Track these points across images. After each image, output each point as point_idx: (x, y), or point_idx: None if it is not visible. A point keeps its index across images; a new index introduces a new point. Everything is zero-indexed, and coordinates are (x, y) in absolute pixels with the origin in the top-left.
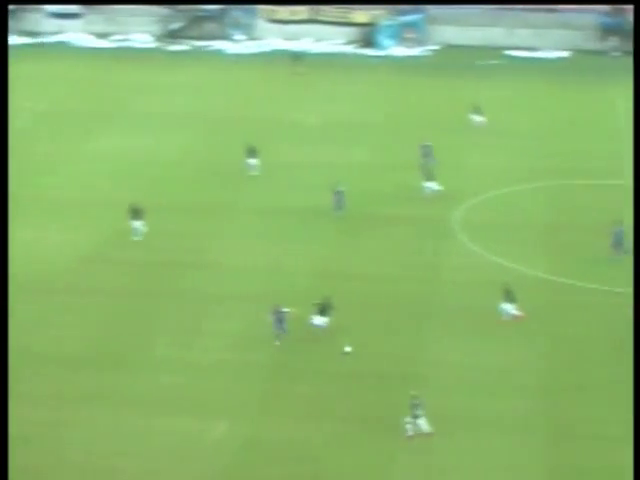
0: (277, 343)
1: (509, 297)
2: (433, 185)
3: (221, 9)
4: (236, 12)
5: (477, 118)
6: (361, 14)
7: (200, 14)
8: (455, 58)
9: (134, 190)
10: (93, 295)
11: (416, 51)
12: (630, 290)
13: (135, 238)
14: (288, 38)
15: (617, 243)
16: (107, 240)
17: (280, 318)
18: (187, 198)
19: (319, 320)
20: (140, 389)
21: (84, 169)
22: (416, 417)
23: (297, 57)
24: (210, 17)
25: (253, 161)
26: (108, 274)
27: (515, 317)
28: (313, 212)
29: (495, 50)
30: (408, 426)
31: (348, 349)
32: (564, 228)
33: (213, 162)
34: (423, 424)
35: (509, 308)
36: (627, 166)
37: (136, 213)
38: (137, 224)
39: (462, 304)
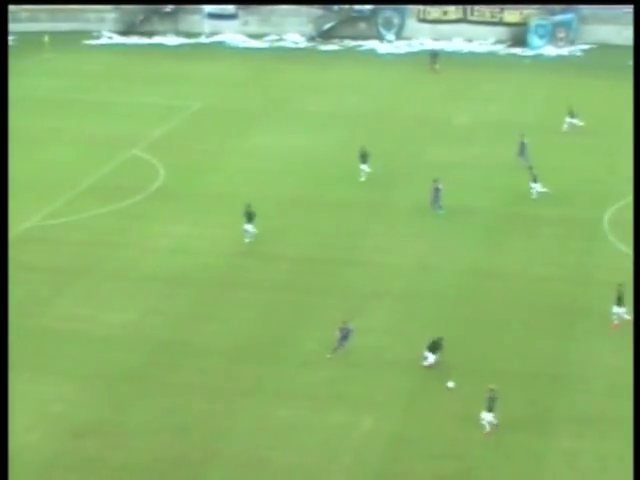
0: (328, 356)
1: (620, 301)
2: (537, 187)
3: (372, 9)
4: (388, 12)
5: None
6: (512, 14)
7: (353, 14)
8: (607, 57)
9: (289, 187)
10: (248, 289)
11: (567, 50)
12: None
13: (284, 235)
14: (438, 38)
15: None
16: (260, 236)
17: (345, 335)
18: (339, 195)
19: (431, 358)
20: (292, 383)
21: (242, 166)
22: (490, 410)
23: (434, 55)
24: (362, 17)
25: (364, 167)
26: (262, 269)
27: (623, 321)
28: (460, 211)
29: None
30: (483, 422)
31: (451, 385)
32: None
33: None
34: (491, 418)
35: (621, 312)
36: None
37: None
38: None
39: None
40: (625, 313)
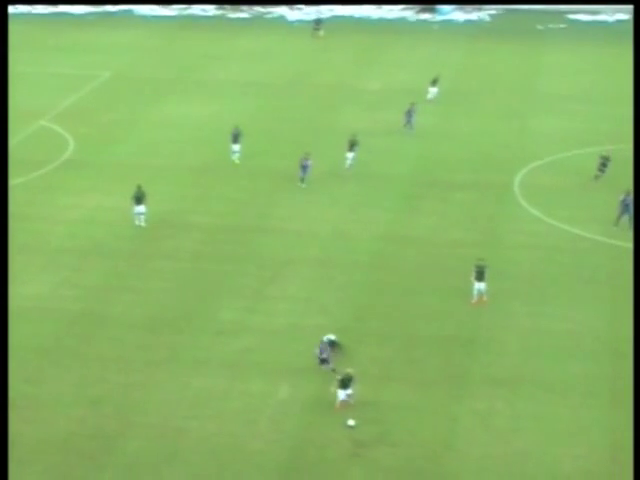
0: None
1: (481, 276)
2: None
3: None
4: None
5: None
6: None
7: None
8: (514, 22)
9: (202, 156)
10: (162, 260)
11: (476, 16)
12: None
13: (201, 204)
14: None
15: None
16: (173, 206)
17: (324, 352)
18: (251, 164)
19: (342, 394)
20: (208, 352)
21: (153, 136)
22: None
23: (318, 22)
24: None
25: (236, 147)
26: (176, 239)
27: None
28: (374, 177)
29: (557, 15)
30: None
31: (352, 423)
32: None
33: (274, 129)
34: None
35: (482, 288)
36: None
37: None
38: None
39: (526, 270)
40: (484, 290)
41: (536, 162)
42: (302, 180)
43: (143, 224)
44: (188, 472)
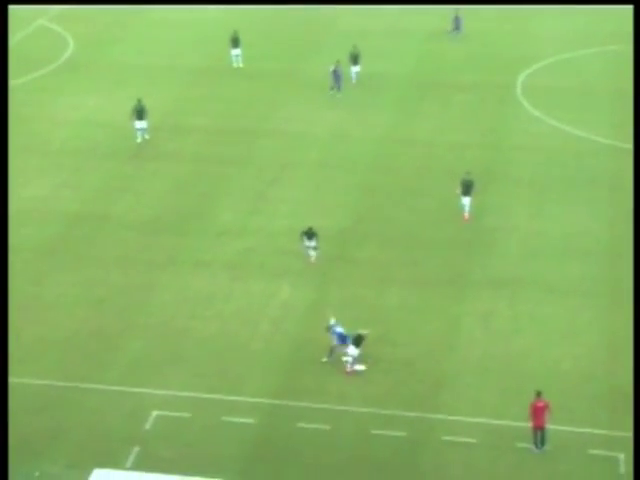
0: (324, 359)
1: (468, 191)
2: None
3: None
4: None
5: None
6: None
7: None
8: None
9: (200, 55)
10: (162, 161)
11: None
12: None
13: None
14: None
15: None
16: (173, 107)
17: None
18: (251, 67)
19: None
20: (209, 254)
21: (153, 36)
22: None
23: None
24: None
25: (236, 51)
26: (176, 141)
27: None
28: (374, 78)
29: None
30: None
31: (361, 367)
32: (628, 93)
33: (274, 33)
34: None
35: (467, 202)
36: None
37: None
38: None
39: (528, 172)
40: (469, 204)
41: (539, 62)
42: (336, 88)
43: (147, 136)
44: (190, 371)
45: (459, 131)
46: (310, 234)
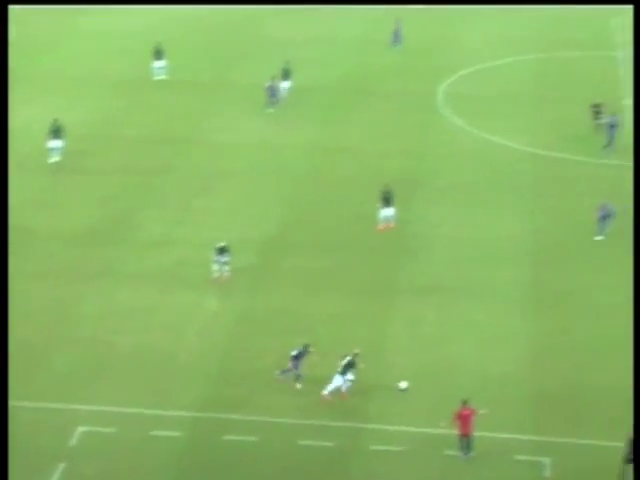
0: (298, 386)
1: (388, 202)
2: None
3: None
4: None
5: None
6: None
7: None
8: None
9: (126, 65)
10: (87, 174)
11: None
12: (615, 163)
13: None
14: None
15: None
16: (98, 117)
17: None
18: (176, 77)
19: (340, 380)
20: (136, 266)
21: (77, 47)
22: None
23: None
24: None
25: (160, 63)
26: (102, 152)
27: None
28: (301, 88)
29: None
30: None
31: (404, 385)
32: (550, 101)
33: (198, 43)
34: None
35: (389, 214)
36: (618, 38)
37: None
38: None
39: (452, 180)
40: (392, 216)
41: (462, 71)
42: (272, 104)
43: (58, 159)
44: (116, 386)
45: (384, 140)
46: (222, 249)
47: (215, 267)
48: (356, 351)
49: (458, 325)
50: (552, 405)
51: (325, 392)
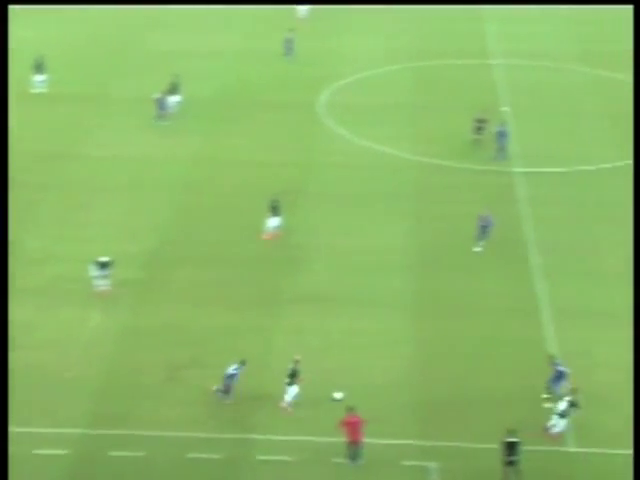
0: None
1: (276, 211)
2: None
3: None
4: None
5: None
6: None
7: None
8: None
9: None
10: None
11: None
12: (496, 169)
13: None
14: None
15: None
16: None
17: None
18: (57, 91)
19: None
20: (18, 282)
21: None
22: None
23: None
24: None
25: (40, 77)
26: None
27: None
28: (185, 101)
29: None
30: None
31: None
32: (430, 109)
33: (79, 56)
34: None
35: (274, 223)
36: (493, 46)
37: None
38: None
39: (334, 189)
40: (279, 224)
41: (343, 80)
42: (161, 117)
43: None
44: None
45: (268, 150)
46: (104, 264)
47: (98, 282)
48: (297, 358)
49: (343, 334)
50: (437, 410)
51: (284, 404)
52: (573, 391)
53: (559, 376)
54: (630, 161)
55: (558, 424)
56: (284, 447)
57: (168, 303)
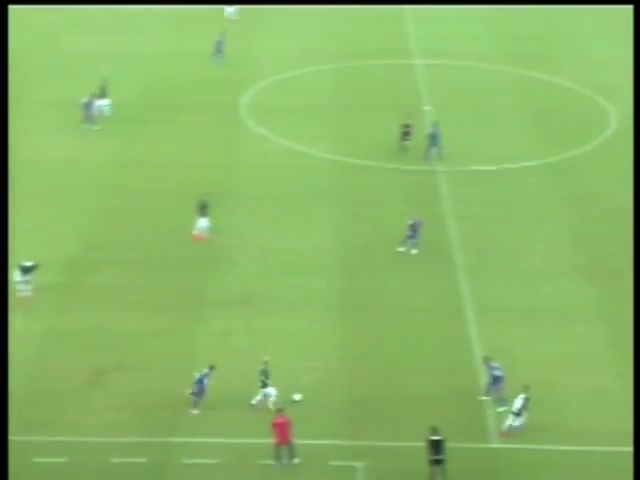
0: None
1: (204, 211)
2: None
3: None
4: None
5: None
6: None
7: None
8: None
9: None
10: None
11: None
12: (419, 168)
13: None
14: None
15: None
16: None
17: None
18: None
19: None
20: None
21: None
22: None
23: None
24: None
25: None
26: None
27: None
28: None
29: None
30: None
31: (297, 397)
32: (351, 109)
33: None
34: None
35: (203, 224)
36: (415, 46)
37: None
38: None
39: (258, 190)
40: (207, 225)
41: (265, 81)
42: (88, 121)
43: None
44: None
45: (189, 152)
46: (27, 268)
47: (20, 287)
48: (266, 359)
49: (269, 335)
50: (364, 410)
51: (259, 404)
52: (525, 389)
53: (496, 380)
54: (549, 160)
55: (514, 422)
56: (209, 450)
57: (91, 307)
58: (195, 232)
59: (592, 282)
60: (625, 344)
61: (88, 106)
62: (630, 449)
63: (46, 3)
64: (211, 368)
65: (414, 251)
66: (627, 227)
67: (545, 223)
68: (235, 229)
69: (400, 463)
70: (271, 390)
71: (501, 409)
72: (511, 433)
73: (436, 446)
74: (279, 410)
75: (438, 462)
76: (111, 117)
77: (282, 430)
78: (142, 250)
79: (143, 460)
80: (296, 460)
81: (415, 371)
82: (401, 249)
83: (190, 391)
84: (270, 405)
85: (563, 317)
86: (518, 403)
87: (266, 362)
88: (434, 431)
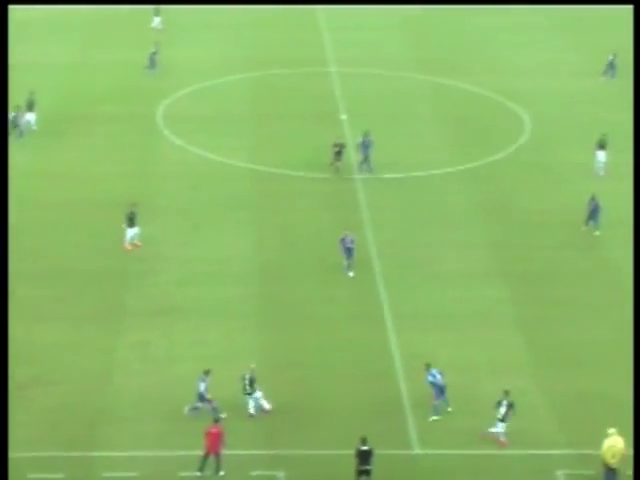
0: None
1: (132, 222)
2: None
3: None
4: None
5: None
6: None
7: None
8: None
9: None
10: None
11: None
12: (335, 176)
13: None
14: None
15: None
16: None
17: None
18: None
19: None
20: None
21: None
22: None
23: None
24: None
25: None
26: None
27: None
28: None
29: None
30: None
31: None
32: (268, 118)
33: None
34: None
35: (133, 233)
36: (331, 54)
37: None
38: None
39: (175, 200)
40: (137, 236)
41: (182, 91)
42: (17, 134)
43: None
44: None
45: (104, 163)
46: None
47: None
48: (252, 366)
49: (186, 345)
50: (285, 419)
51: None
52: (506, 393)
53: (441, 390)
54: (464, 166)
55: (498, 428)
56: (129, 463)
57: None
58: (125, 243)
59: (507, 286)
60: (541, 347)
61: (15, 120)
62: (552, 452)
63: (46, 3)
64: (206, 373)
65: (352, 274)
66: (540, 231)
67: (460, 228)
68: (154, 239)
69: (322, 471)
70: (258, 394)
71: (435, 417)
72: (502, 442)
73: (364, 456)
74: (216, 420)
75: (366, 472)
76: (33, 130)
77: (213, 440)
78: (58, 262)
79: (61, 475)
80: (221, 472)
81: (335, 378)
82: (351, 274)
83: (189, 406)
84: (252, 410)
85: (480, 321)
86: (502, 409)
87: (252, 369)
88: (363, 441)
